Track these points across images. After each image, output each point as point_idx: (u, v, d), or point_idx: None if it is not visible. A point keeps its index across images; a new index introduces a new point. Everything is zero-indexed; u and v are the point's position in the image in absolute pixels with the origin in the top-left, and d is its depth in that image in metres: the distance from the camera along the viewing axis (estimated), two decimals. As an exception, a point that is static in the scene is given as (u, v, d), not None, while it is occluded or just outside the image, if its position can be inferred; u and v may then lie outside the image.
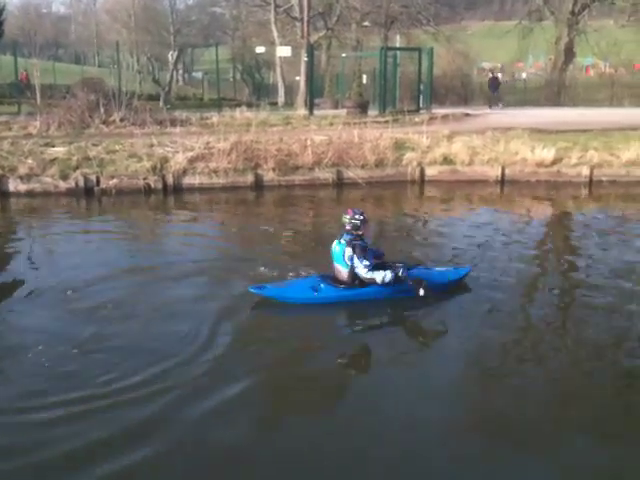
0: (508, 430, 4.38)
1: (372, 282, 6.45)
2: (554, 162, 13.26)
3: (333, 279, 6.64)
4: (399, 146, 14.24)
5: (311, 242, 9.32)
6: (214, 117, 17.74)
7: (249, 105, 21.26)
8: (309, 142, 13.88)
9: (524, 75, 41.44)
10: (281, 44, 29.94)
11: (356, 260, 6.41)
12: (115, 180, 12.46)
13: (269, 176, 13.14)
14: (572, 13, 31.62)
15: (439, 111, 20.62)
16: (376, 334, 6.10)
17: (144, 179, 12.56)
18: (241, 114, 18.14)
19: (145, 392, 4.78)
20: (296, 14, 31.62)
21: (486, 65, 45.69)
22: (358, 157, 13.70)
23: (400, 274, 6.39)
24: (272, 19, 31.89)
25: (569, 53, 32.47)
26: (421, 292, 6.28)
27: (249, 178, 13.07)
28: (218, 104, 23.07)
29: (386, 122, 16.81)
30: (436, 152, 13.88)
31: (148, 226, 10.80)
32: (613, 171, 13.15)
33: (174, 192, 12.69)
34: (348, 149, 13.87)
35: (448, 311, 6.47)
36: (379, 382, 5.06)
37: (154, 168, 12.77)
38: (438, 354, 5.65)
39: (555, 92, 31.78)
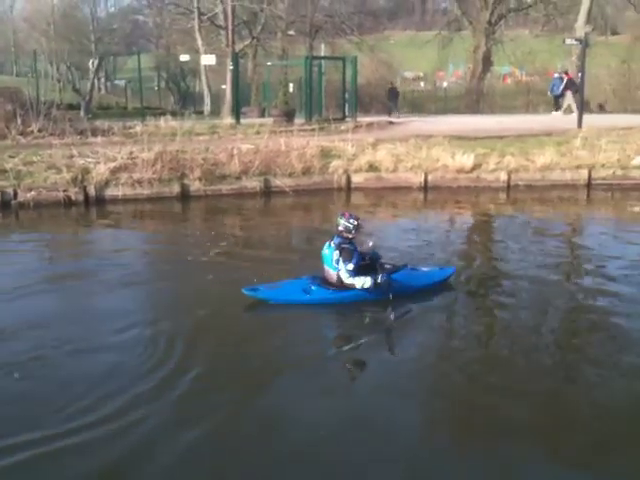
0: (495, 427, 4.51)
1: (352, 287, 6.55)
2: (474, 168, 13.71)
3: (323, 280, 6.76)
4: (325, 154, 14.39)
5: (242, 250, 9.28)
6: (137, 126, 17.40)
7: (174, 114, 20.89)
8: (236, 151, 13.84)
9: (445, 84, 42.67)
10: (206, 52, 29.68)
11: (341, 263, 6.52)
12: (33, 193, 12.02)
13: (195, 186, 13.01)
14: (489, 23, 32.78)
15: (364, 119, 20.95)
16: (364, 336, 6.14)
17: (64, 191, 12.18)
18: (166, 123, 17.85)
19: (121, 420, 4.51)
20: (221, 22, 31.44)
21: (408, 74, 46.74)
22: (285, 165, 13.76)
23: (379, 280, 6.49)
24: (196, 27, 31.59)
25: (487, 62, 33.64)
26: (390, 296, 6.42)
27: (175, 188, 12.90)
28: (142, 113, 22.61)
29: (312, 130, 16.95)
30: (361, 160, 14.11)
31: (69, 240, 10.48)
32: (529, 176, 13.72)
33: (96, 204, 12.36)
34: (275, 157, 13.92)
35: (432, 310, 6.72)
36: (364, 385, 5.18)
37: (74, 179, 12.42)
38: (424, 354, 5.74)
39: (474, 100, 32.81)
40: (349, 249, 6.56)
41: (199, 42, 31.36)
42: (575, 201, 13.05)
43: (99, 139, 15.23)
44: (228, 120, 20.92)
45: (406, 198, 13.26)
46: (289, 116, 19.74)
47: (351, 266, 6.50)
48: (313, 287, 6.65)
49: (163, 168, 12.93)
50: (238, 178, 13.37)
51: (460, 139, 15.41)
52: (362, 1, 43.42)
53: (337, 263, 6.55)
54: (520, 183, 13.64)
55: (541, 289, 7.25)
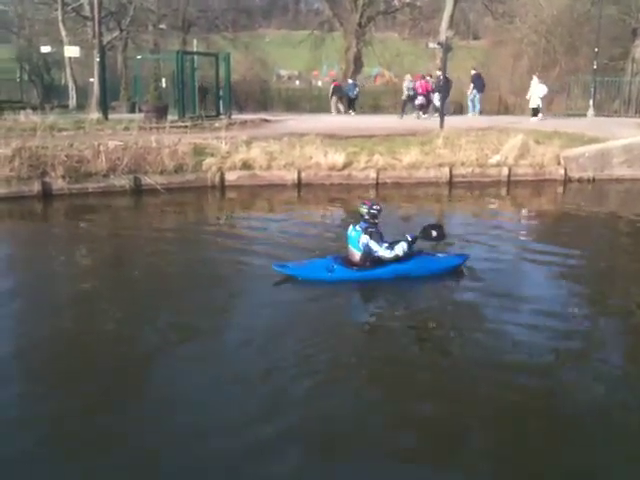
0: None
1: (396, 258, 7.27)
2: (345, 166, 14.07)
3: (346, 260, 7.40)
4: (198, 151, 14.18)
5: (112, 252, 8.95)
6: (-7, 121, 16.25)
7: (36, 108, 19.69)
8: (102, 147, 13.29)
9: (320, 83, 43.33)
10: (71, 44, 28.18)
11: (375, 245, 7.23)
12: None
13: (58, 184, 12.37)
14: (359, 25, 33.71)
15: (239, 117, 20.88)
16: (376, 318, 6.73)
17: None
18: (26, 117, 16.82)
19: None
20: (87, 13, 30.01)
21: (283, 72, 47.05)
22: (156, 163, 13.43)
23: (411, 240, 7.35)
24: (60, 17, 29.89)
25: (357, 62, 34.58)
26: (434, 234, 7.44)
27: (35, 187, 12.18)
28: (-1, 107, 21.11)
29: (185, 127, 16.67)
30: (235, 157, 14.03)
31: None
32: (396, 174, 14.29)
33: (-54, 204, 11.44)
34: (145, 155, 13.53)
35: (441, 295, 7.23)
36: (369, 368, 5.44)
37: None
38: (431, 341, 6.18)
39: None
40: (377, 232, 7.32)
41: (63, 33, 29.73)
42: (438, 197, 13.77)
43: (-51, 135, 14.06)
44: (95, 115, 20.01)
45: (280, 195, 13.37)
46: (161, 112, 19.17)
47: (386, 244, 7.30)
48: (335, 266, 7.24)
49: (22, 165, 12.19)
50: (105, 176, 12.87)
51: (332, 138, 15.72)
52: (236, -2, 43.00)
53: (364, 246, 7.22)
54: (388, 181, 14.17)
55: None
